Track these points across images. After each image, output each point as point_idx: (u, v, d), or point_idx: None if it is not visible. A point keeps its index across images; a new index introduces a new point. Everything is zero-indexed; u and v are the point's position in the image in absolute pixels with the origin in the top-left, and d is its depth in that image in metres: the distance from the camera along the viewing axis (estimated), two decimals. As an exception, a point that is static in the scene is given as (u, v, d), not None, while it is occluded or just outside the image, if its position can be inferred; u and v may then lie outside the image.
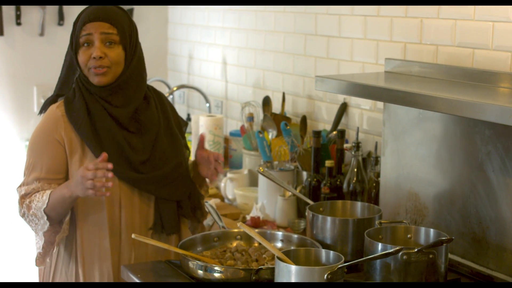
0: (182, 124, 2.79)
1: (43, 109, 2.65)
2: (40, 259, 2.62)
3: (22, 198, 2.56)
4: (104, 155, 2.42)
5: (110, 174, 2.39)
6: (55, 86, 2.66)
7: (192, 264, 2.40)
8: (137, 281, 2.46)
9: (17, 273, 4.60)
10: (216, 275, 2.35)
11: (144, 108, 2.63)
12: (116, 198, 2.58)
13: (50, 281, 2.68)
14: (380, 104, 3.13)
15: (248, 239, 2.65)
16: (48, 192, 2.52)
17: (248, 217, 3.27)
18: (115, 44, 2.54)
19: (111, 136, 2.55)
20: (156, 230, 2.63)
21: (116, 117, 2.57)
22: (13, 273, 4.60)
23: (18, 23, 4.52)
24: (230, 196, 3.59)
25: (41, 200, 2.51)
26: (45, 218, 2.51)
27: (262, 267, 2.33)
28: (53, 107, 2.61)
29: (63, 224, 2.55)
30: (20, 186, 2.60)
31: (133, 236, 2.43)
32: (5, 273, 4.61)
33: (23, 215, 2.57)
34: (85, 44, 2.53)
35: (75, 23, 2.58)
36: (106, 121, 2.56)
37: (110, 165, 2.40)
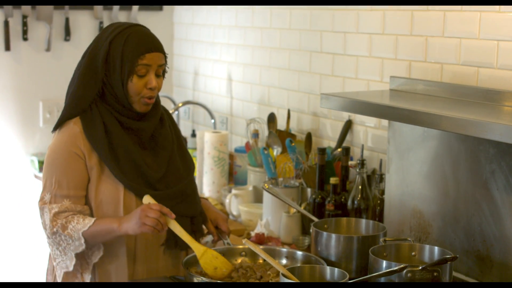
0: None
1: (58, 125, 2.60)
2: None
3: (55, 216, 2.52)
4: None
5: (173, 216, 2.47)
6: (69, 100, 2.59)
7: (197, 280, 2.41)
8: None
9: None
10: (221, 291, 2.36)
11: (159, 127, 2.65)
12: None
13: None
14: (385, 122, 3.14)
15: (253, 255, 2.65)
16: (92, 218, 2.51)
17: (252, 234, 3.27)
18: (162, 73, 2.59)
19: (128, 154, 2.56)
20: (168, 246, 2.63)
21: (139, 135, 2.58)
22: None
23: (25, 39, 4.53)
24: (234, 213, 3.60)
25: (82, 223, 2.49)
26: (82, 240, 2.49)
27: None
28: (69, 123, 2.57)
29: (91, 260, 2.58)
30: (49, 203, 2.54)
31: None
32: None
33: (53, 234, 2.52)
34: (140, 74, 2.54)
35: (120, 48, 2.52)
36: (123, 139, 2.56)
37: (173, 215, 2.48)
